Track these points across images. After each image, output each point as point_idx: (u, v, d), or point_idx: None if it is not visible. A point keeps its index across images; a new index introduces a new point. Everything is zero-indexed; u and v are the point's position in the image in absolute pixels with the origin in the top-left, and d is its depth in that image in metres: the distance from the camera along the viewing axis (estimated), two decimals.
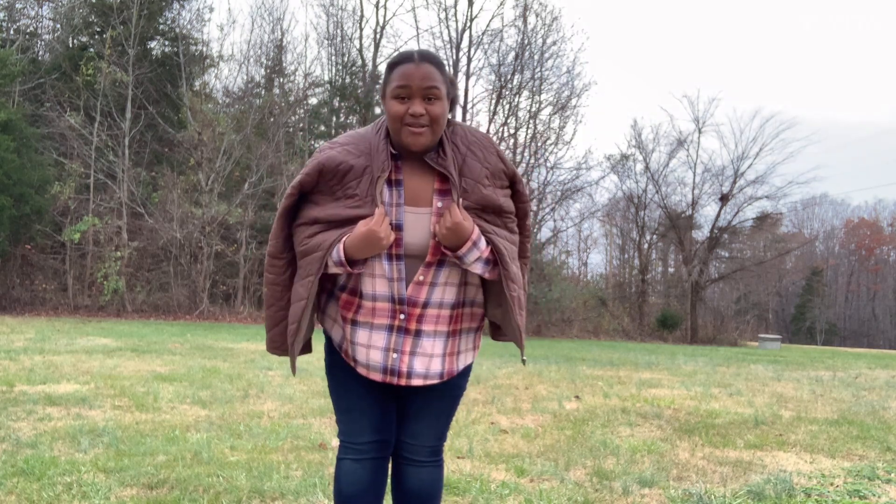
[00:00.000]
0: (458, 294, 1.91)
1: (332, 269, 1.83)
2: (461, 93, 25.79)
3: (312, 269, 1.82)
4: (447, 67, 1.88)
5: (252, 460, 3.74)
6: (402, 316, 1.84)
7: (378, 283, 1.84)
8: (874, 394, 8.19)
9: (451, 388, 1.99)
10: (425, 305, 1.85)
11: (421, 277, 1.84)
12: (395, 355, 1.86)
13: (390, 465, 2.09)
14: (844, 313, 55.71)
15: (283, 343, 1.97)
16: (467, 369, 2.02)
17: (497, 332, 2.11)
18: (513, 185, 1.95)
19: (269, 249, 1.94)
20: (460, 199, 1.81)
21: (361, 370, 1.90)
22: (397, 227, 1.81)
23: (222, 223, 22.02)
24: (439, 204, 1.82)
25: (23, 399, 5.25)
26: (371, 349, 1.87)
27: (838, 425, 5.61)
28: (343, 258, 1.79)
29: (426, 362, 1.88)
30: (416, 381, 1.88)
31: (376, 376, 1.88)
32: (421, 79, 1.77)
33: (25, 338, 10.54)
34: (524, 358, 2.16)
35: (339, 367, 1.98)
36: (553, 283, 25.79)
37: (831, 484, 3.75)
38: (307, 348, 2.05)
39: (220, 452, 3.89)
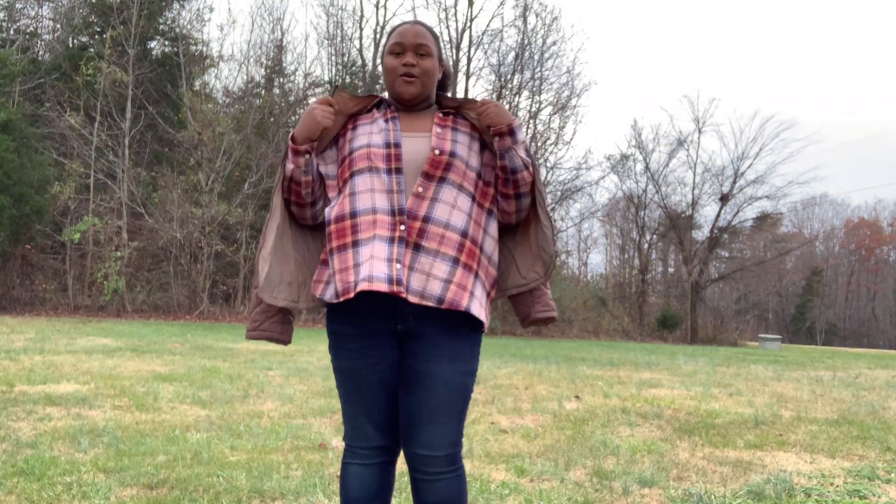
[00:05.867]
0: (470, 226, 1.87)
1: (288, 167, 1.88)
2: (461, 93, 25.76)
3: (276, 200, 1.94)
4: (441, 42, 2.04)
5: (252, 460, 3.74)
6: (402, 227, 1.81)
7: (377, 196, 1.84)
8: (874, 394, 8.19)
9: (454, 375, 1.85)
10: (426, 220, 1.82)
11: (420, 189, 1.84)
12: (398, 265, 1.79)
13: (408, 480, 1.99)
14: (844, 313, 55.72)
15: (262, 322, 1.93)
16: (472, 342, 1.89)
17: (528, 312, 1.98)
18: None
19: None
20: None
21: (364, 285, 1.77)
22: (395, 145, 1.87)
23: (222, 223, 22.02)
24: (438, 130, 1.91)
25: (23, 399, 5.25)
26: (374, 260, 1.79)
27: (838, 425, 5.60)
28: (289, 142, 1.87)
29: (423, 280, 1.79)
30: (413, 298, 1.78)
31: (381, 286, 1.76)
32: (414, 36, 1.94)
33: (25, 338, 10.54)
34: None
35: (346, 365, 1.90)
36: (553, 283, 25.80)
37: (831, 484, 3.75)
38: (288, 325, 1.96)
39: (220, 452, 3.89)
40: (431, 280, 1.81)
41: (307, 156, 1.87)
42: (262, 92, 25.78)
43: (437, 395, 1.84)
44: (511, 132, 1.86)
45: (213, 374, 7.27)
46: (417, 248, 1.81)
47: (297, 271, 1.94)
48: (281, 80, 26.46)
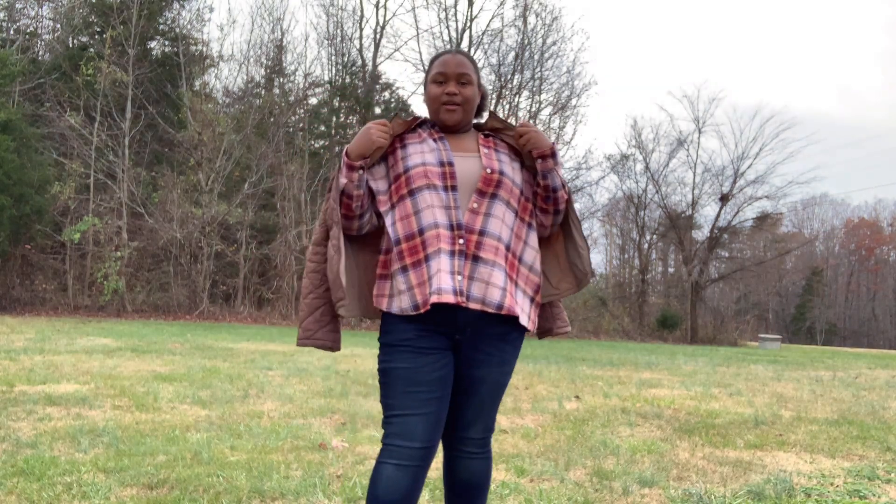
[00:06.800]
0: (512, 239, 2.04)
1: (342, 182, 1.98)
2: None
3: (336, 216, 2.00)
4: (479, 69, 2.20)
5: (252, 460, 3.74)
6: (461, 241, 1.96)
7: (437, 212, 1.97)
8: (874, 394, 8.19)
9: (500, 377, 2.07)
10: (482, 233, 1.98)
11: (475, 205, 1.99)
12: (459, 277, 1.94)
13: (442, 458, 2.18)
14: (844, 313, 55.70)
15: (316, 331, 2.06)
16: (516, 346, 2.08)
17: (550, 327, 2.21)
18: None
19: (314, 238, 2.11)
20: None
21: (434, 297, 1.90)
22: (449, 164, 2.01)
23: (222, 223, 22.02)
24: (486, 151, 2.07)
25: (23, 399, 5.25)
26: (441, 273, 1.93)
27: (838, 425, 5.60)
28: (344, 158, 1.99)
29: (483, 288, 1.95)
30: (474, 305, 1.93)
31: (449, 298, 1.90)
32: (456, 65, 2.08)
33: (25, 338, 10.54)
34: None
35: (407, 363, 1.95)
36: None
37: (831, 484, 3.75)
38: (337, 333, 2.09)
39: (220, 452, 3.89)
40: (491, 288, 1.96)
41: (360, 171, 1.99)
42: (262, 92, 25.78)
43: (482, 393, 2.08)
44: (553, 154, 2.06)
45: (213, 374, 7.27)
46: (476, 259, 1.97)
47: (347, 283, 2.08)
48: (281, 80, 26.46)
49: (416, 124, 2.14)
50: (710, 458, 4.25)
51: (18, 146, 18.34)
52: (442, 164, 2.01)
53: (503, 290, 1.97)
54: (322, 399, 5.89)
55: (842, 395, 7.94)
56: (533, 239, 2.10)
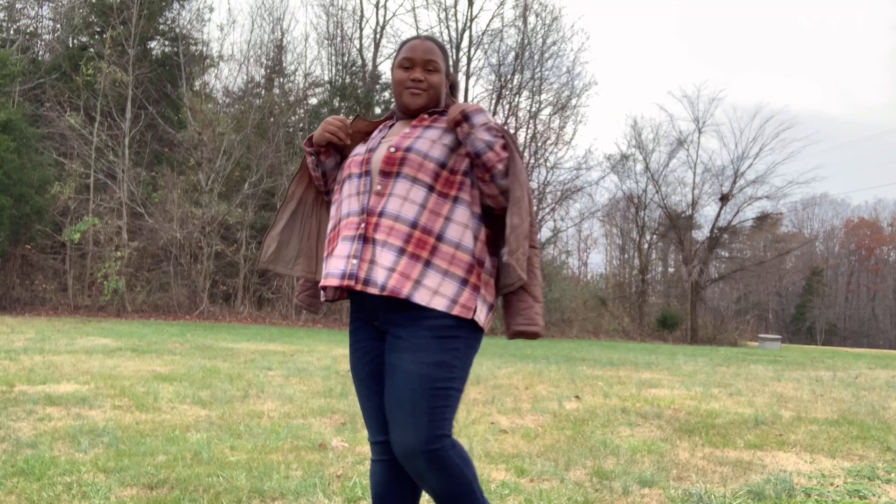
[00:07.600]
0: (422, 216, 1.88)
1: (309, 163, 2.16)
2: (461, 93, 25.76)
3: (296, 175, 2.22)
4: (449, 57, 2.18)
5: (252, 460, 3.74)
6: (362, 225, 1.93)
7: (352, 200, 1.98)
8: (874, 394, 8.19)
9: (415, 366, 1.82)
10: (381, 214, 1.92)
11: (379, 187, 1.93)
12: (354, 261, 1.91)
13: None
14: (844, 313, 55.73)
15: (300, 293, 2.22)
16: (441, 334, 1.85)
17: (509, 323, 1.95)
18: None
19: None
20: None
21: (323, 282, 1.98)
22: (370, 150, 2.01)
23: (222, 223, 22.01)
24: (406, 130, 2.01)
25: (23, 399, 5.25)
26: (334, 258, 1.96)
27: (838, 425, 5.60)
28: (305, 143, 2.13)
29: (371, 270, 1.89)
30: (372, 290, 1.86)
31: (333, 281, 1.93)
32: (423, 52, 2.06)
33: (25, 338, 10.54)
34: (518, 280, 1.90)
35: (350, 361, 2.08)
36: (553, 283, 25.80)
37: (831, 484, 3.75)
38: (316, 298, 2.20)
39: (220, 452, 3.89)
40: (377, 268, 1.88)
41: (312, 157, 2.12)
42: (262, 92, 25.78)
43: (397, 387, 1.84)
44: (466, 118, 1.93)
45: (213, 374, 7.27)
46: (372, 241, 1.92)
47: (317, 247, 2.19)
48: (281, 80, 26.47)
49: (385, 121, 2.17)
50: (710, 458, 4.25)
51: (18, 146, 18.34)
52: (366, 151, 2.02)
53: (389, 270, 1.86)
54: (322, 399, 5.89)
55: (842, 395, 7.94)
56: (460, 214, 1.91)
